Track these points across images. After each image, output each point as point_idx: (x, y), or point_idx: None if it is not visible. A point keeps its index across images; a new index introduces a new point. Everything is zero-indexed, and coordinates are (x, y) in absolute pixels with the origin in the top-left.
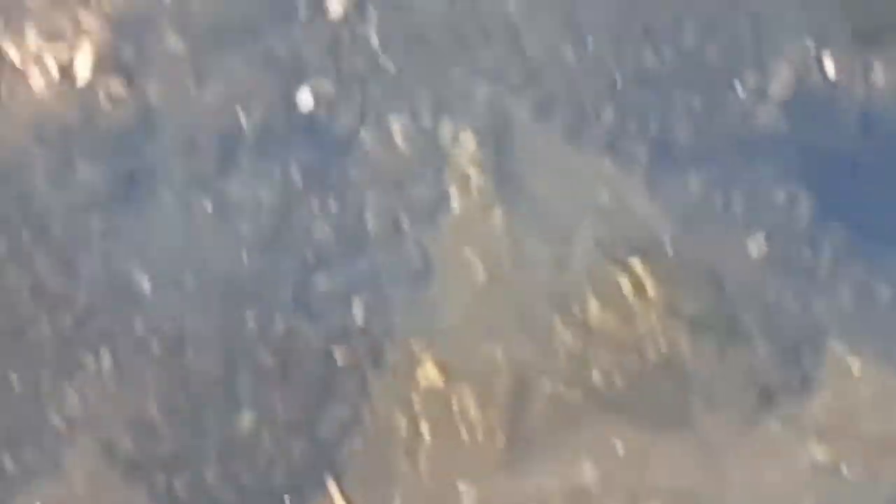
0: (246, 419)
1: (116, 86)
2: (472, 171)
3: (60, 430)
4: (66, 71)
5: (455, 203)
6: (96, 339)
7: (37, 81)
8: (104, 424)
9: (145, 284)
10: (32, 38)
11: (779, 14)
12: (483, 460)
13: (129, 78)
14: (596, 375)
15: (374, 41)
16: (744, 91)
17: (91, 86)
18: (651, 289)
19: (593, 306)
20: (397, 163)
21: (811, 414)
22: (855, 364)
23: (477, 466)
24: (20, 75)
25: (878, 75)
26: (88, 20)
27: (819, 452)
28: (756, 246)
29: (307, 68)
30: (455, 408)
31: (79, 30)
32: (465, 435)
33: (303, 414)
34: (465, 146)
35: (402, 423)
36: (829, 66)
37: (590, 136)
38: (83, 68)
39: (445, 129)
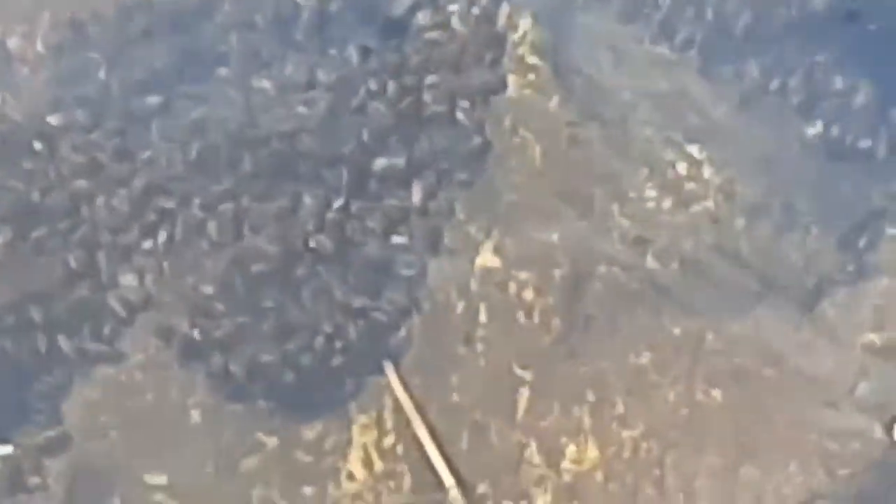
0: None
1: None
2: (529, 55)
3: (117, 312)
4: None
5: (512, 86)
6: (153, 221)
7: None
8: (161, 307)
9: (201, 164)
10: None
11: None
12: (540, 344)
13: None
14: (651, 260)
15: None
16: None
17: None
18: (707, 173)
19: (650, 190)
20: (454, 45)
21: (867, 300)
22: None
23: (534, 350)
24: None
25: None
26: None
27: (875, 339)
28: (813, 132)
29: None
30: (512, 292)
31: None
32: (522, 319)
33: (360, 296)
34: (523, 30)
35: (459, 307)
36: None
37: (647, 22)
38: None
39: (503, 12)
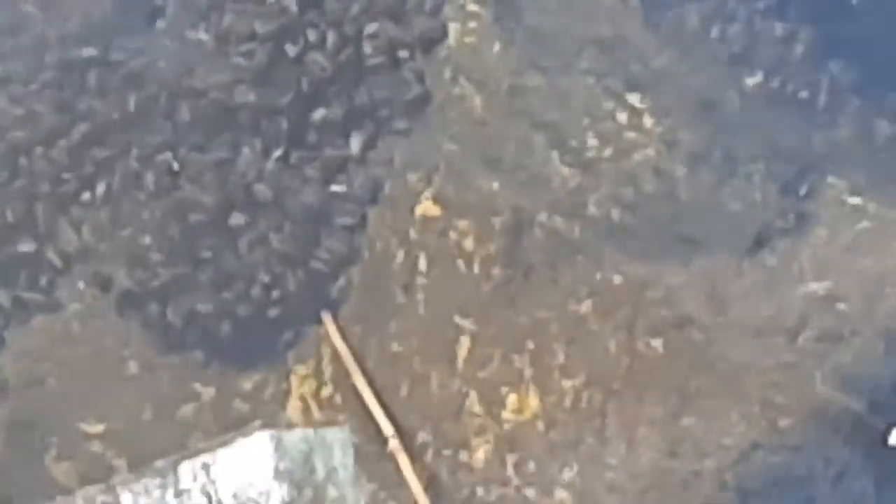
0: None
1: None
2: (470, 3)
3: (54, 263)
4: None
5: (452, 34)
6: (91, 172)
7: None
8: (98, 257)
9: (139, 115)
10: None
11: None
12: (480, 293)
13: None
14: (593, 208)
15: None
16: None
17: None
18: (648, 121)
19: (591, 139)
20: None
21: (808, 249)
22: (853, 199)
23: (474, 299)
24: None
25: None
26: None
27: (816, 288)
28: (753, 81)
29: None
30: (452, 241)
31: None
32: (462, 268)
33: (298, 246)
34: None
35: (399, 256)
36: None
37: None
38: None
39: None
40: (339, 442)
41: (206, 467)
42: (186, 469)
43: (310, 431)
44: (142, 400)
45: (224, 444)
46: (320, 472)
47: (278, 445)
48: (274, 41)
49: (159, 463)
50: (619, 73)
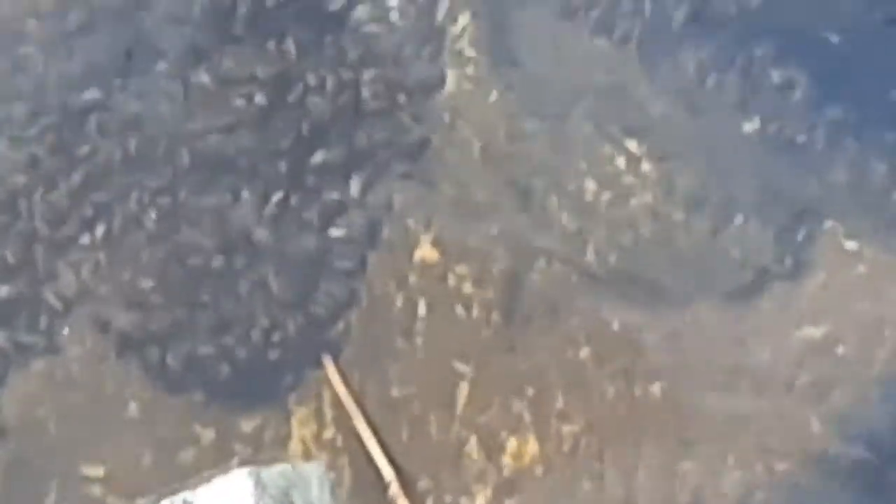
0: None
1: None
2: (469, 49)
3: (54, 306)
4: None
5: (451, 80)
6: (90, 215)
7: None
8: (98, 300)
9: (139, 158)
10: None
11: None
12: (479, 338)
13: None
14: (591, 253)
15: None
16: None
17: None
18: (646, 166)
19: (589, 184)
20: (393, 39)
21: (805, 294)
22: (849, 243)
23: (473, 344)
24: None
25: None
26: None
27: (813, 332)
28: (751, 127)
29: None
30: (451, 285)
31: None
32: (461, 313)
33: (298, 290)
34: (462, 23)
35: (398, 300)
36: None
37: (585, 16)
38: None
39: (441, 6)
40: (316, 477)
41: None
42: None
43: (287, 467)
44: (142, 443)
45: (204, 481)
46: None
47: (258, 482)
48: (274, 85)
49: (140, 501)
50: (617, 118)
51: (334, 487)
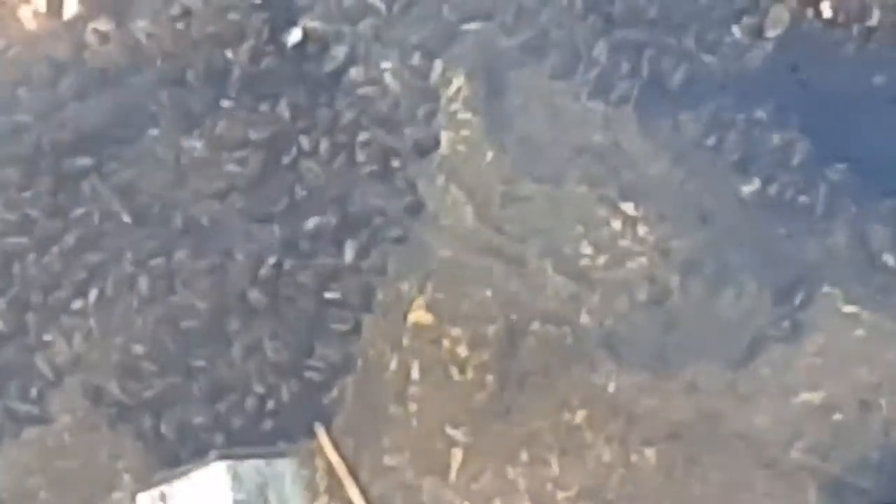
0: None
1: (104, 23)
2: (463, 112)
3: (46, 374)
4: (54, 9)
5: (445, 142)
6: (83, 279)
7: (26, 20)
8: (91, 368)
9: (133, 222)
10: None
11: None
12: (473, 402)
13: (117, 15)
14: (586, 316)
15: None
16: (739, 30)
17: (79, 22)
18: (642, 229)
19: (584, 247)
20: (387, 101)
21: (803, 358)
22: (847, 307)
23: (467, 409)
24: (9, 14)
25: (874, 15)
26: None
27: (811, 397)
28: (750, 189)
29: (296, 5)
30: (446, 349)
31: None
32: (455, 376)
33: (293, 354)
34: (456, 85)
35: (392, 364)
36: (826, 7)
37: (582, 77)
38: (71, 6)
39: (436, 68)
40: (289, 473)
41: (163, 497)
42: (144, 500)
43: (261, 462)
44: None
45: (181, 474)
46: (273, 502)
47: (235, 476)
48: (267, 148)
49: (116, 495)
50: (613, 181)
51: (306, 484)
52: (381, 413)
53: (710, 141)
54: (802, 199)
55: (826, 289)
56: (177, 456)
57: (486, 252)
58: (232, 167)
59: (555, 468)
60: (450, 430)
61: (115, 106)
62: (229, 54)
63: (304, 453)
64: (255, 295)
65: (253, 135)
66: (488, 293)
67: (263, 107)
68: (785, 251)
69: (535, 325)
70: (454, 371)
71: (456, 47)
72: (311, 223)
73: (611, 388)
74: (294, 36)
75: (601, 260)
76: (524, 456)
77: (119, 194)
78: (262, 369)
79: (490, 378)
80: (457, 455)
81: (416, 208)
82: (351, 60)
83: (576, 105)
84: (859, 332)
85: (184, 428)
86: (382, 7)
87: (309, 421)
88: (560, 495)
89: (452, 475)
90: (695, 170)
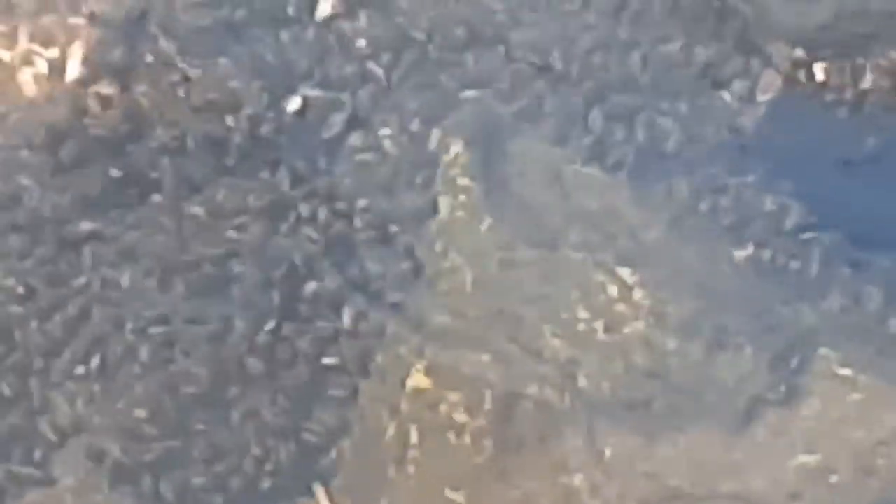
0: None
1: (106, 88)
2: (461, 178)
3: (49, 437)
4: (56, 73)
5: (444, 209)
6: (85, 346)
7: (26, 84)
8: (93, 431)
9: (134, 289)
10: (22, 41)
11: (766, 18)
12: (471, 466)
13: (119, 80)
14: (583, 380)
15: (363, 46)
16: (731, 95)
17: (80, 88)
18: (638, 294)
19: (581, 312)
20: (386, 168)
21: (799, 421)
22: (843, 370)
23: (465, 472)
24: (10, 78)
25: (867, 79)
26: (78, 23)
27: (807, 460)
28: (744, 254)
29: (295, 72)
30: (444, 413)
31: (68, 32)
32: (453, 441)
33: (290, 418)
34: (454, 152)
35: (390, 428)
36: (818, 70)
37: (577, 143)
38: (73, 70)
39: (434, 135)
40: None
41: None
42: None
43: None
44: None
45: None
46: None
47: None
48: (266, 215)
49: None
50: (609, 246)
51: None
52: (380, 475)
53: (704, 206)
54: (796, 262)
55: (822, 352)
56: None
57: (484, 317)
58: (232, 233)
59: None
60: (449, 493)
61: (115, 173)
62: (229, 121)
63: None
64: (253, 361)
65: (252, 202)
66: (486, 358)
67: (263, 173)
68: (780, 315)
69: (533, 390)
70: (452, 435)
71: (454, 114)
72: (310, 289)
73: (607, 452)
74: (293, 103)
75: (598, 325)
76: None
77: (120, 260)
78: (261, 433)
79: (488, 442)
80: None
81: (415, 273)
82: (350, 127)
83: (572, 171)
84: (855, 395)
85: (183, 489)
86: (382, 75)
87: (307, 482)
88: None
89: None
90: (689, 235)
